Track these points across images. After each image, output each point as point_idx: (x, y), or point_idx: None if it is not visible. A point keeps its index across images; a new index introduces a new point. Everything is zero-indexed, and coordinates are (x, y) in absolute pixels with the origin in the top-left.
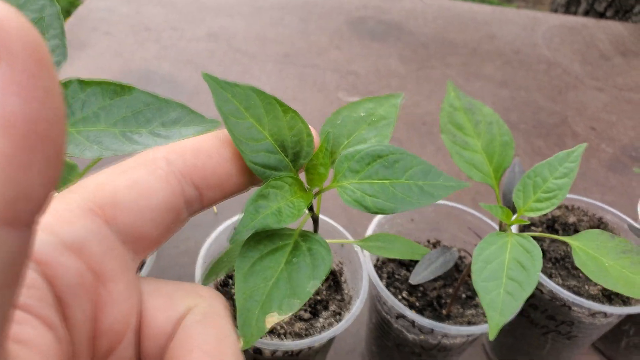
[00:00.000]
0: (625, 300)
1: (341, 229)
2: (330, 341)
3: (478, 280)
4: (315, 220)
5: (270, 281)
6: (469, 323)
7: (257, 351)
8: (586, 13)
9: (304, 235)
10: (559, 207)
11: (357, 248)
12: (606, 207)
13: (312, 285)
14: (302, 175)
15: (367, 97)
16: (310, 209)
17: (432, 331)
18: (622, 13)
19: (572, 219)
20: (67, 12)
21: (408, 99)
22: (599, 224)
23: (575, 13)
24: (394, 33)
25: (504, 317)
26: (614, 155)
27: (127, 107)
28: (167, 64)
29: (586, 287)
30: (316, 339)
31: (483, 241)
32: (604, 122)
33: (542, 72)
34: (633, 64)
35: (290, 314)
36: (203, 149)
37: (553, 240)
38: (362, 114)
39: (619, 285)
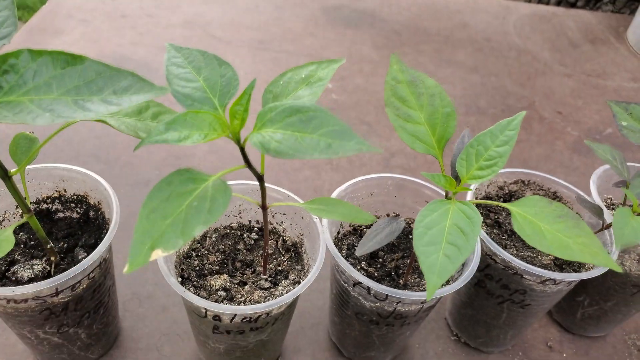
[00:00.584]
0: (576, 269)
1: (294, 195)
2: (290, 308)
3: (419, 245)
4: (260, 178)
5: (168, 220)
6: (424, 291)
7: (217, 318)
8: (558, 3)
9: (216, 183)
10: (515, 182)
11: (316, 219)
12: (560, 180)
13: (198, 229)
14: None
15: (311, 61)
16: (247, 161)
17: (386, 297)
18: (593, 3)
19: (528, 193)
20: (41, 0)
21: (379, 84)
22: (554, 197)
23: (547, 3)
24: (367, 20)
25: (440, 279)
26: (578, 138)
27: (79, 76)
28: (142, 49)
29: (539, 257)
30: (272, 304)
31: (425, 208)
32: (571, 106)
33: (512, 59)
34: (601, 51)
35: (172, 251)
36: None
37: (509, 213)
38: (303, 76)
39: (553, 248)
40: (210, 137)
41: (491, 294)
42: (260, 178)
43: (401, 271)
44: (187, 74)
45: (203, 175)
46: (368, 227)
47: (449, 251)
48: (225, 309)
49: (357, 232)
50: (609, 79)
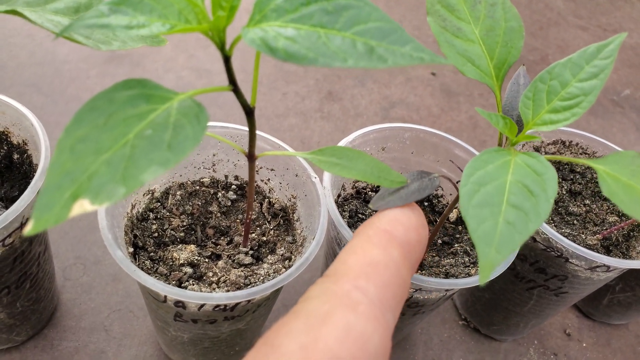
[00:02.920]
0: (625, 252)
1: (285, 145)
2: (277, 292)
3: (467, 206)
4: (249, 112)
5: (103, 156)
6: (447, 274)
7: (180, 304)
8: None
9: (185, 105)
10: (554, 142)
11: (315, 179)
12: (609, 143)
13: (151, 171)
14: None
15: None
16: (233, 80)
17: None
18: None
19: (568, 156)
20: None
21: None
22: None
23: None
24: None
25: (500, 254)
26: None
27: None
28: None
29: (582, 235)
30: (255, 291)
31: (476, 159)
32: None
33: (522, 5)
34: (617, 4)
35: (107, 204)
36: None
37: None
38: None
39: None
40: (178, 28)
41: (520, 278)
42: (250, 111)
43: None
44: None
45: (164, 91)
46: (376, 189)
47: (512, 216)
48: (192, 297)
49: (362, 195)
50: (627, 35)
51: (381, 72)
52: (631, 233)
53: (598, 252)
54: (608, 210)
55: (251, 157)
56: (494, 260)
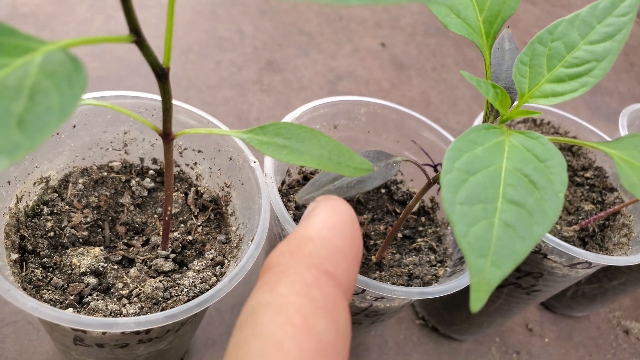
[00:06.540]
0: (600, 244)
1: (216, 121)
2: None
3: (453, 201)
4: (161, 74)
5: None
6: (410, 276)
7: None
8: None
9: (53, 59)
10: (524, 121)
11: (255, 165)
12: (582, 122)
13: None
14: None
15: None
16: (135, 27)
17: (362, 291)
18: None
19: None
20: None
21: None
22: (571, 145)
23: None
24: None
25: (498, 269)
26: None
27: None
28: None
29: (557, 226)
30: (174, 314)
31: (462, 138)
32: None
33: None
34: None
35: None
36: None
37: None
38: None
39: None
40: None
41: None
42: (162, 73)
43: (372, 242)
44: None
45: (22, 38)
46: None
47: (512, 216)
48: (87, 324)
49: (308, 182)
50: (574, 10)
51: (327, 41)
52: (606, 222)
53: (575, 245)
54: (582, 197)
55: (167, 136)
56: (491, 276)
